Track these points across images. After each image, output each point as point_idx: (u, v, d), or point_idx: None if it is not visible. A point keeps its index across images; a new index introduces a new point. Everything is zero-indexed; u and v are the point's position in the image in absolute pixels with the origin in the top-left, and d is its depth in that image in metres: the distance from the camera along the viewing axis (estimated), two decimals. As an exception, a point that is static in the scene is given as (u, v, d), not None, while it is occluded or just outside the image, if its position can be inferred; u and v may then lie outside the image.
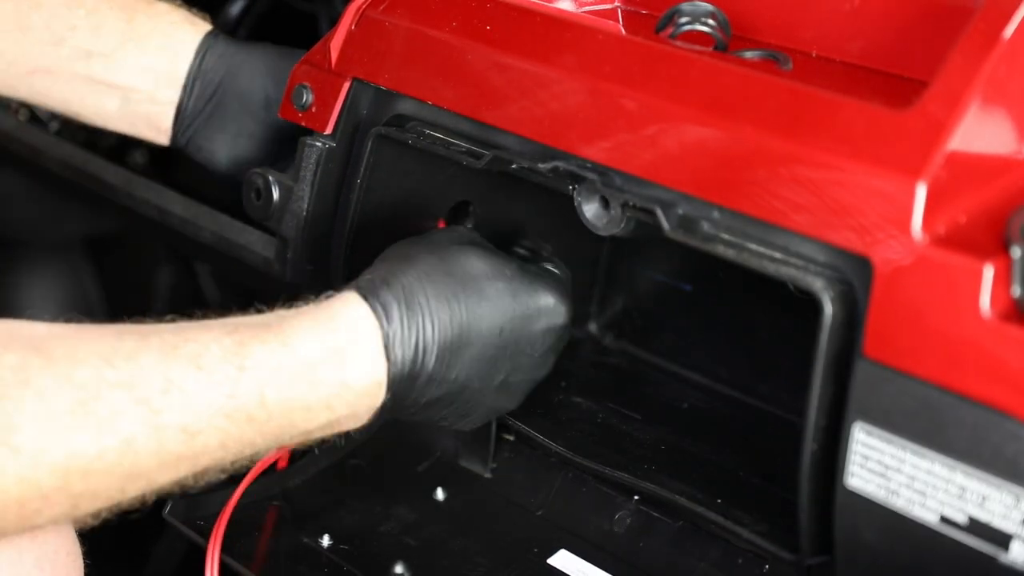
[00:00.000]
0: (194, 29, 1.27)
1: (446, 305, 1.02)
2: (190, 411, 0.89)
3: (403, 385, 1.00)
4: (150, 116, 1.28)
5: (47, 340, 0.87)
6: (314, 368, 0.95)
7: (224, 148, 1.28)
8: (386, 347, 0.98)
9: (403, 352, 0.99)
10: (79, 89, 1.26)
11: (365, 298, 1.00)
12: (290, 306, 1.00)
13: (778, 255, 0.93)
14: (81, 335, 0.89)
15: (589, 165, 1.02)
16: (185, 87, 1.26)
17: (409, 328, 1.00)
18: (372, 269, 1.05)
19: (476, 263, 1.06)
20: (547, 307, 1.08)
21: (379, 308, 0.99)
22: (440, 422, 1.08)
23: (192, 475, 0.93)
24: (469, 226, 1.24)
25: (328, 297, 1.01)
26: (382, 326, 0.99)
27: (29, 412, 0.83)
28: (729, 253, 0.94)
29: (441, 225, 1.22)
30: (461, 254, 1.06)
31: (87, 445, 0.85)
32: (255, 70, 1.26)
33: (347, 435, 1.24)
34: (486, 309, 1.04)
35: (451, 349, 1.02)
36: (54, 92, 1.27)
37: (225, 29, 1.61)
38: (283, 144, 1.27)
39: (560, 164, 1.03)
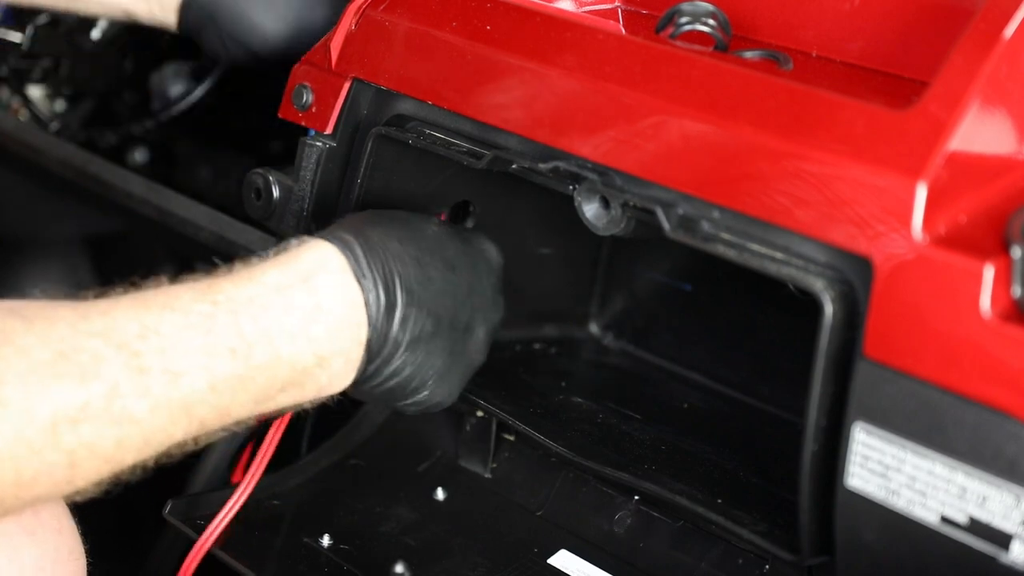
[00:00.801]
0: None
1: (398, 244, 1.04)
2: (170, 352, 0.90)
3: (381, 317, 1.01)
4: None
5: (24, 307, 0.88)
6: (284, 293, 0.97)
7: (211, 43, 1.37)
8: (355, 274, 1.00)
9: (372, 278, 1.01)
10: None
11: (324, 238, 1.02)
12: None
13: (778, 255, 0.93)
14: (56, 303, 0.90)
15: (589, 165, 1.02)
16: None
17: (372, 259, 1.02)
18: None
19: (416, 216, 1.10)
20: (485, 249, 1.14)
21: (340, 243, 1.01)
22: (426, 382, 1.07)
23: (191, 427, 0.92)
24: (469, 226, 1.24)
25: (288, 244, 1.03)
26: (346, 256, 1.01)
27: (12, 367, 0.84)
28: (729, 253, 0.94)
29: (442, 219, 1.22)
30: (401, 213, 1.10)
31: (72, 393, 0.85)
32: None
33: (348, 435, 1.25)
34: (436, 249, 1.07)
35: (416, 281, 1.04)
36: None
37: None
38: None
39: (560, 164, 1.03)
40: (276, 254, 1.01)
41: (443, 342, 1.07)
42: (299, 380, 0.98)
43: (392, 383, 1.05)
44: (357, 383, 1.03)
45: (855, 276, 0.90)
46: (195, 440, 0.94)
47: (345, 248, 1.01)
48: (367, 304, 1.01)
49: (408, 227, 1.07)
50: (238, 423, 0.96)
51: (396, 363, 1.04)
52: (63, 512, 1.01)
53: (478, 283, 1.11)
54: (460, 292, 1.08)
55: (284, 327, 0.96)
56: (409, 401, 1.08)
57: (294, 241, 1.02)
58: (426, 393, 1.07)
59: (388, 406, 1.15)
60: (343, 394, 1.05)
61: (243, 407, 0.95)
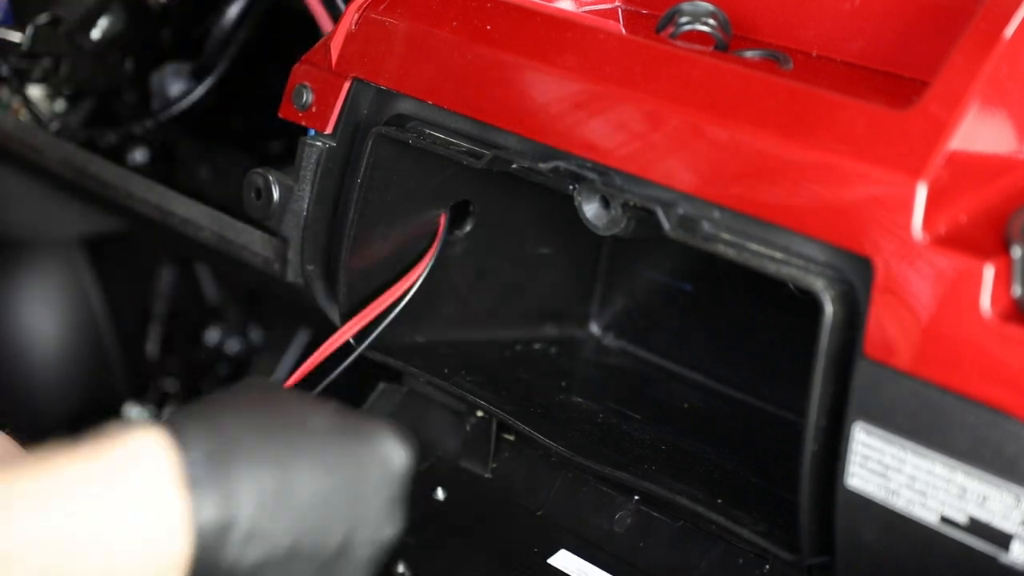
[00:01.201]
0: None
1: (256, 438, 0.84)
2: None
3: (210, 539, 0.80)
4: None
5: None
6: (77, 491, 0.78)
7: None
8: (185, 481, 0.80)
9: (208, 494, 0.80)
10: None
11: (158, 427, 0.82)
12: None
13: (779, 255, 0.93)
14: None
15: (589, 165, 1.02)
16: None
17: (216, 466, 0.81)
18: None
19: (296, 404, 0.89)
20: (382, 452, 0.90)
21: (172, 433, 0.81)
22: None
23: None
24: (468, 228, 1.24)
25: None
26: (179, 455, 0.80)
27: None
28: (729, 253, 0.94)
29: (442, 220, 1.21)
30: (279, 396, 0.91)
31: None
32: None
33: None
34: (311, 453, 0.86)
35: (271, 496, 0.83)
36: None
37: (225, 29, 1.61)
38: None
39: (560, 164, 1.03)
40: (95, 443, 0.81)
41: (303, 563, 0.86)
42: None
43: None
44: None
45: (855, 276, 0.90)
46: None
47: (178, 440, 0.81)
48: (193, 522, 0.80)
49: (281, 415, 0.87)
50: None
51: None
52: None
53: (366, 494, 0.88)
54: (336, 506, 0.86)
55: (69, 533, 0.77)
56: None
57: (120, 425, 0.83)
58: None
59: None
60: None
61: None
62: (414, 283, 1.20)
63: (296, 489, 0.84)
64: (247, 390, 0.91)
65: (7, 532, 0.75)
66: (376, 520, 0.89)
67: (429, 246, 1.22)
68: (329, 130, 1.19)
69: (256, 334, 1.84)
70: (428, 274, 1.22)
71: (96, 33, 1.63)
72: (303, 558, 0.85)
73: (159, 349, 1.89)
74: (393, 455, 0.90)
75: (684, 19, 1.07)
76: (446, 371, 1.20)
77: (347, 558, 0.88)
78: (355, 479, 0.88)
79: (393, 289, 1.20)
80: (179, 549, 0.80)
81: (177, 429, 0.82)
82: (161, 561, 0.80)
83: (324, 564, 0.87)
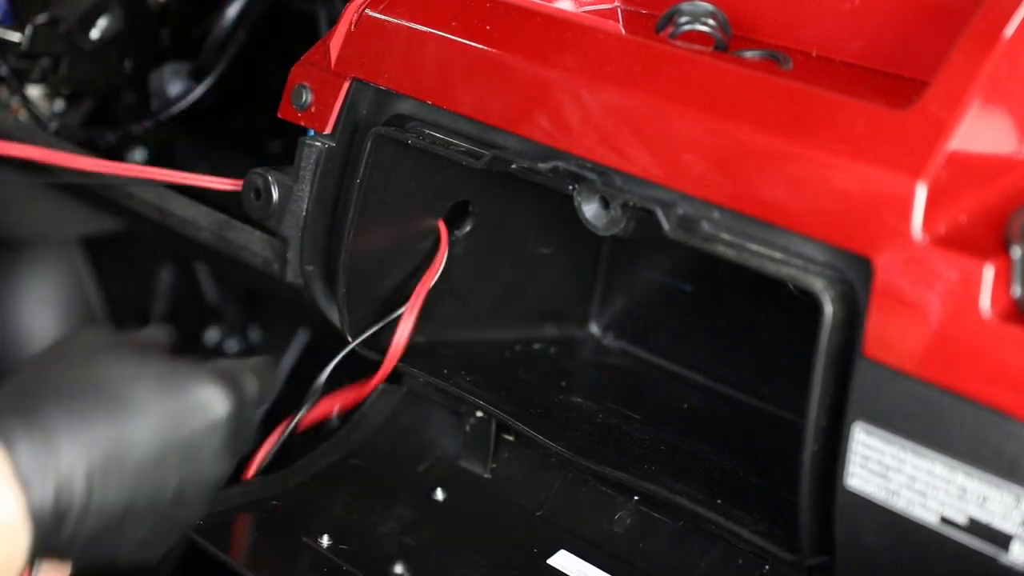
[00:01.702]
0: None
1: (86, 421, 0.87)
2: None
3: (49, 524, 0.84)
4: None
5: None
6: None
7: None
8: (19, 479, 0.83)
9: (40, 485, 0.84)
10: None
11: None
12: None
13: (778, 255, 0.93)
14: None
15: (589, 165, 1.02)
16: None
17: (43, 454, 0.84)
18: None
19: (114, 368, 0.92)
20: (203, 401, 0.93)
21: (2, 437, 0.84)
22: (118, 556, 0.92)
23: None
24: (468, 228, 1.24)
25: None
26: (8, 455, 0.83)
27: None
28: (729, 253, 0.94)
29: (443, 230, 1.21)
30: (96, 361, 0.92)
31: None
32: None
33: (348, 435, 1.24)
34: (135, 417, 0.89)
35: (101, 471, 0.87)
36: None
37: (224, 29, 1.61)
38: None
39: (560, 164, 1.03)
40: None
41: (139, 523, 0.90)
42: None
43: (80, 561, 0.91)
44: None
45: (855, 276, 0.90)
46: None
47: (7, 444, 0.84)
48: (31, 515, 0.83)
49: (101, 384, 0.90)
50: None
51: (72, 555, 0.89)
52: None
53: (193, 446, 0.92)
54: (165, 464, 0.91)
55: None
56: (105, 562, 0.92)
57: None
58: (125, 557, 0.92)
59: None
60: None
61: None
62: (420, 297, 1.21)
63: (124, 458, 0.88)
64: (63, 356, 0.93)
65: None
66: (206, 467, 0.94)
67: (430, 253, 1.22)
68: (328, 130, 1.18)
69: (255, 334, 1.84)
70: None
71: (95, 33, 1.63)
72: (138, 516, 0.90)
73: (159, 349, 1.88)
74: (214, 402, 0.94)
75: (684, 19, 1.07)
76: (446, 371, 1.20)
77: (181, 504, 0.93)
78: (180, 435, 0.92)
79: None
80: (19, 543, 0.83)
81: (3, 435, 0.84)
82: (2, 557, 0.83)
83: (159, 516, 0.92)
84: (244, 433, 0.98)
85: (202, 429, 0.93)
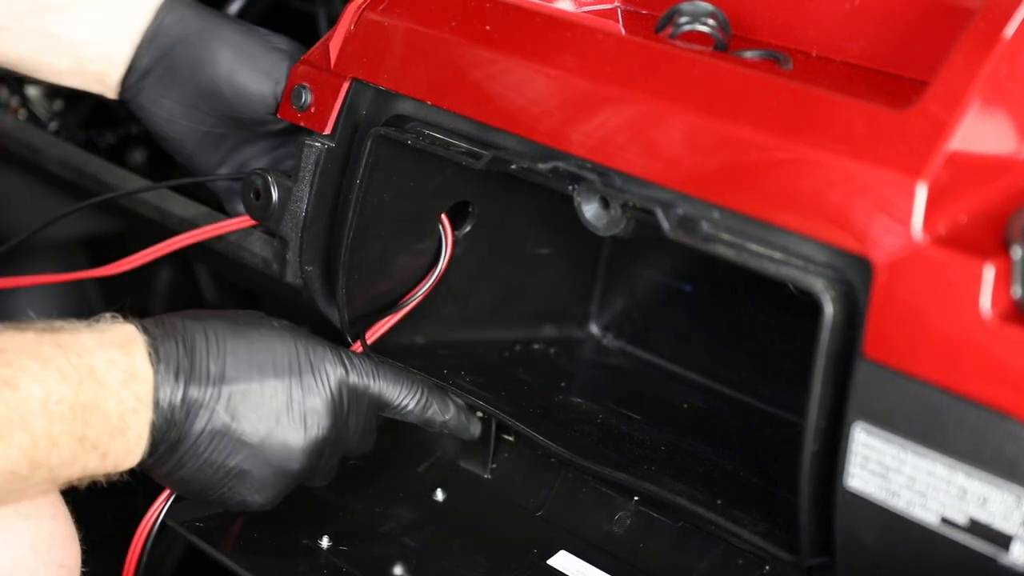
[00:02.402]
0: None
1: (222, 359, 1.04)
2: (12, 365, 0.93)
3: (172, 407, 1.02)
4: (101, 72, 1.27)
5: None
6: (104, 348, 0.98)
7: (166, 112, 1.27)
8: (150, 353, 1.01)
9: (167, 356, 1.03)
10: (32, 44, 1.25)
11: (136, 325, 1.03)
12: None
13: (778, 255, 0.93)
14: None
15: (589, 165, 1.02)
16: (139, 46, 1.25)
17: (180, 341, 1.03)
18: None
19: (265, 327, 1.09)
20: (325, 378, 1.09)
21: (145, 331, 1.02)
22: (232, 496, 1.07)
23: (27, 452, 0.94)
24: (468, 228, 1.24)
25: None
26: (147, 335, 1.02)
27: None
28: (729, 253, 0.94)
29: (445, 220, 1.21)
30: (260, 326, 1.09)
31: None
32: (215, 39, 1.24)
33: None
34: (270, 361, 1.06)
35: (241, 394, 1.04)
36: (8, 48, 1.26)
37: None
38: (231, 130, 1.27)
39: (560, 164, 1.03)
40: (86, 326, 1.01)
41: (260, 458, 1.06)
42: (106, 439, 0.98)
43: (180, 474, 1.05)
44: (148, 464, 1.03)
45: (855, 276, 0.90)
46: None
47: (148, 328, 1.03)
48: (155, 383, 1.00)
49: (247, 334, 1.08)
50: (60, 470, 0.96)
51: (188, 459, 1.04)
52: (57, 499, 1.03)
53: (308, 406, 1.08)
54: (282, 422, 1.07)
55: (105, 376, 0.97)
56: (214, 498, 1.08)
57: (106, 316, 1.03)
58: (237, 498, 1.08)
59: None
60: None
61: (68, 444, 0.95)
62: (422, 294, 1.21)
63: (251, 392, 1.04)
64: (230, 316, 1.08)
65: (67, 361, 0.96)
66: (318, 429, 1.08)
67: (432, 251, 1.22)
68: (328, 131, 1.18)
69: (256, 334, 1.83)
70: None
71: (95, 33, 1.63)
72: (260, 456, 1.05)
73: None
74: (332, 380, 1.09)
75: (683, 19, 1.07)
76: (446, 371, 1.20)
77: (291, 458, 1.07)
78: (299, 412, 1.07)
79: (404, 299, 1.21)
80: (144, 413, 1.00)
81: (147, 330, 1.02)
82: (146, 415, 1.00)
83: (273, 461, 1.07)
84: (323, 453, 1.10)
85: (318, 393, 1.07)
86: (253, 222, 1.24)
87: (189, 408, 1.02)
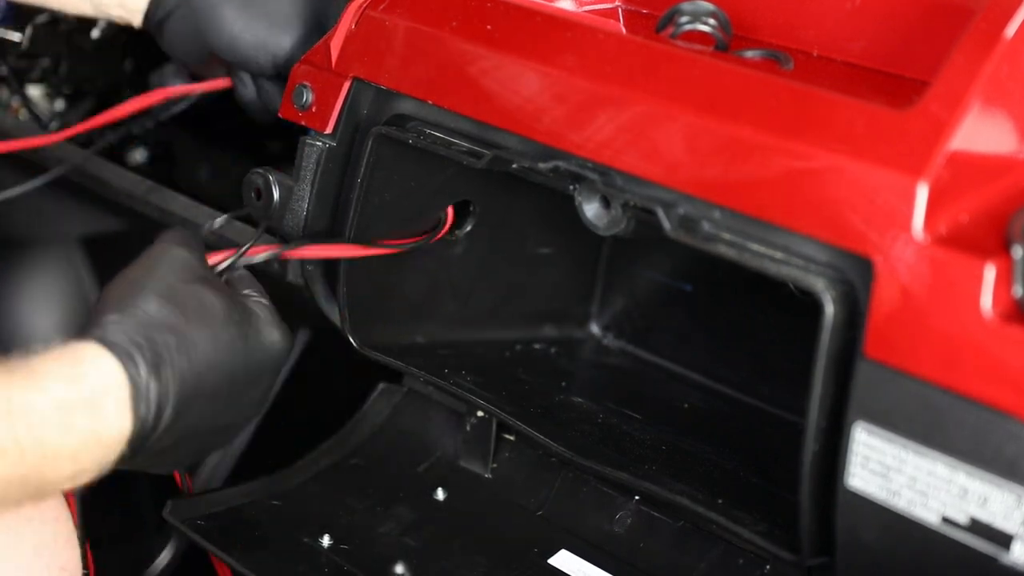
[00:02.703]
0: None
1: (186, 356, 0.97)
2: None
3: (141, 438, 0.94)
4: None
5: None
6: (66, 411, 0.90)
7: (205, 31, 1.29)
8: (134, 400, 0.93)
9: (147, 406, 0.94)
10: None
11: (110, 348, 0.94)
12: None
13: (779, 255, 0.93)
14: None
15: (590, 165, 1.02)
16: None
17: (154, 380, 0.94)
18: (105, 307, 0.98)
19: (210, 302, 1.00)
20: (272, 345, 1.04)
21: (126, 359, 0.94)
22: (156, 468, 1.03)
23: None
24: (469, 228, 1.24)
25: (69, 344, 0.94)
26: (131, 378, 0.93)
27: None
28: (730, 253, 0.94)
29: (451, 211, 1.21)
30: (196, 292, 1.00)
31: None
32: None
33: (348, 435, 1.24)
34: (221, 356, 0.99)
35: (187, 399, 0.96)
36: None
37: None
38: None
39: (561, 164, 1.03)
40: (58, 355, 0.92)
41: (191, 445, 1.01)
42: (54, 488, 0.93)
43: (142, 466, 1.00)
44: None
45: (856, 276, 0.90)
46: None
47: (132, 366, 0.93)
48: (133, 431, 0.93)
49: (206, 333, 0.98)
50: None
51: (136, 465, 0.98)
52: (60, 502, 1.03)
53: (253, 387, 1.03)
54: (231, 400, 1.01)
55: (61, 447, 0.90)
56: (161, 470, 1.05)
57: (77, 345, 0.94)
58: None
59: None
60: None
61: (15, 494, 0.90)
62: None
63: (203, 393, 0.97)
64: (160, 279, 1.00)
65: (12, 436, 0.87)
66: (253, 406, 1.04)
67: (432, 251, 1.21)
68: (329, 130, 1.18)
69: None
70: (428, 274, 1.22)
71: (95, 33, 1.63)
72: (196, 437, 1.00)
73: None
74: (279, 349, 1.04)
75: (684, 19, 1.07)
76: (446, 371, 1.20)
77: (224, 432, 1.04)
78: (248, 377, 1.01)
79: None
80: (118, 451, 0.93)
81: (126, 353, 0.93)
82: (101, 459, 0.92)
83: (206, 438, 1.02)
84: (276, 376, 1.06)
85: (267, 370, 1.03)
86: (228, 82, 1.27)
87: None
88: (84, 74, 1.67)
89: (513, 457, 1.22)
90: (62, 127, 1.65)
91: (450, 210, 1.21)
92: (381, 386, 1.29)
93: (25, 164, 1.57)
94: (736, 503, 1.05)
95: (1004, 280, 0.84)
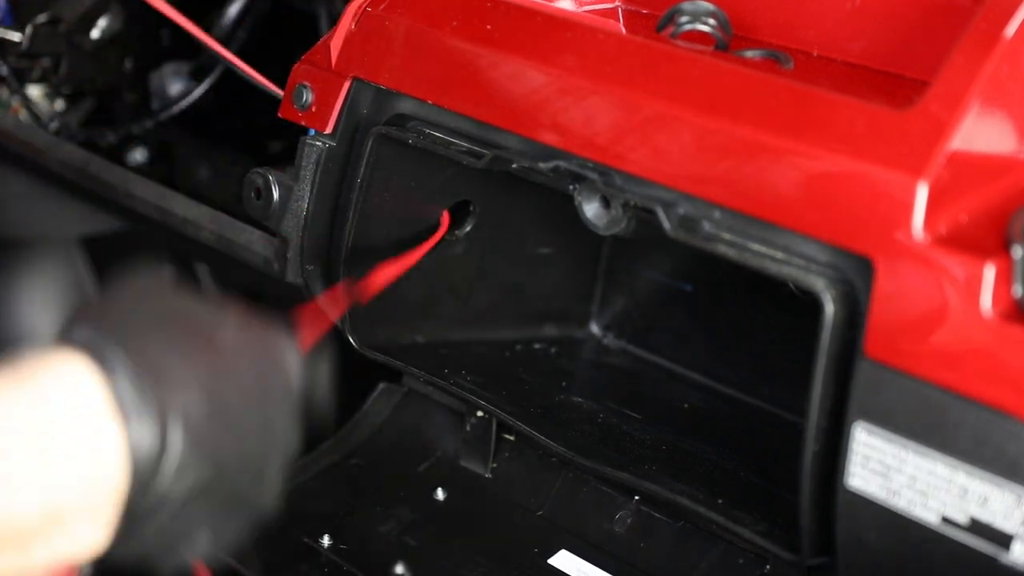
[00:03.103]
0: None
1: (182, 361, 0.77)
2: None
3: (146, 469, 0.74)
4: None
5: None
6: (5, 426, 0.71)
7: None
8: (114, 408, 0.74)
9: (140, 416, 0.74)
10: None
11: (81, 351, 0.75)
12: None
13: (779, 255, 0.93)
14: None
15: (590, 165, 1.02)
16: None
17: (147, 388, 0.75)
18: (83, 312, 0.80)
19: (203, 312, 0.83)
20: (282, 362, 0.85)
21: (98, 362, 0.74)
22: (193, 543, 0.81)
23: None
24: (469, 228, 1.24)
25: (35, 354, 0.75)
26: (106, 381, 0.74)
27: None
28: (730, 253, 0.94)
29: (445, 218, 1.21)
30: (184, 302, 0.83)
31: None
32: None
33: (348, 435, 1.23)
34: (231, 364, 0.80)
35: (202, 416, 0.77)
36: None
37: (225, 29, 1.61)
38: None
39: (561, 163, 1.03)
40: (13, 366, 0.74)
41: (223, 495, 0.80)
42: (21, 541, 0.72)
43: (149, 548, 0.79)
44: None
45: (856, 276, 0.90)
46: None
47: (105, 369, 0.74)
48: (131, 450, 0.74)
49: (199, 334, 0.80)
50: None
51: (158, 523, 0.77)
52: None
53: (273, 412, 0.83)
54: (253, 427, 0.81)
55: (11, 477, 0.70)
56: (167, 563, 0.81)
57: (41, 349, 0.75)
58: (190, 555, 0.81)
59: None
60: None
61: None
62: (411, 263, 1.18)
63: (221, 414, 0.78)
64: (148, 296, 0.83)
65: None
66: (281, 437, 0.83)
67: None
68: (329, 130, 1.18)
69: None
70: (428, 274, 1.22)
71: (95, 33, 1.64)
72: (222, 486, 0.79)
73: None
74: (290, 368, 0.84)
75: (684, 19, 1.07)
76: (446, 371, 1.20)
77: (262, 479, 0.83)
78: (265, 396, 0.82)
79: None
80: (115, 479, 0.74)
81: (102, 358, 0.75)
82: (101, 491, 0.74)
83: (241, 489, 0.81)
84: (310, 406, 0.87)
85: (281, 394, 0.83)
86: None
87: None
88: (84, 74, 1.67)
89: (513, 457, 1.22)
90: (61, 127, 1.65)
91: (446, 218, 1.21)
92: (381, 386, 1.29)
93: (26, 164, 1.57)
94: (736, 503, 1.05)
95: (1004, 280, 0.84)
